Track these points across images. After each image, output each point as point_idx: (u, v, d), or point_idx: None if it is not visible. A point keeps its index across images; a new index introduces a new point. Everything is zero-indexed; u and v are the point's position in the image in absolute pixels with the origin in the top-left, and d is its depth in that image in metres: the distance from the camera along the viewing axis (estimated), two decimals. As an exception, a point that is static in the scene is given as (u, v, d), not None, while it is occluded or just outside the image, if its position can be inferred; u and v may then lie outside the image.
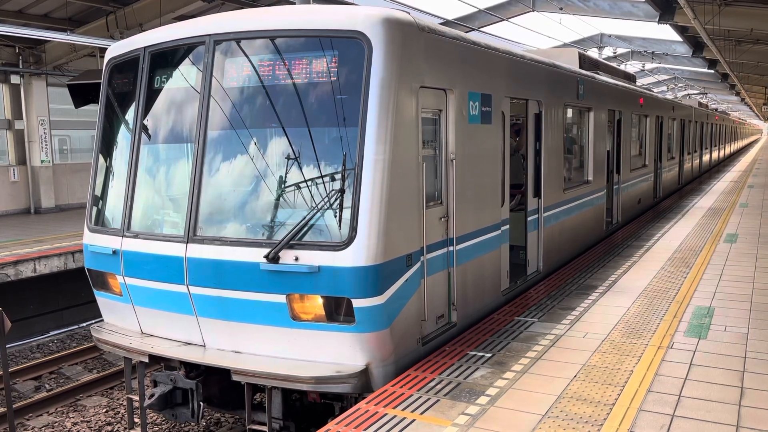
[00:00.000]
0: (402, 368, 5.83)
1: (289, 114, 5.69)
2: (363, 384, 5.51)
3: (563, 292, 8.58)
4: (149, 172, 6.45)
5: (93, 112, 20.97)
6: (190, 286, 5.94)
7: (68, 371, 10.95)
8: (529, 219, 8.92)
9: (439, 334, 6.43)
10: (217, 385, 6.32)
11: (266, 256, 5.47)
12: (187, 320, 6.11)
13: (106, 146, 6.93)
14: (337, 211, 5.45)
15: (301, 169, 5.62)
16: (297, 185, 5.63)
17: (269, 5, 18.01)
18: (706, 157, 32.21)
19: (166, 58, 6.39)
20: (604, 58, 33.18)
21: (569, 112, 10.60)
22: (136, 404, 7.31)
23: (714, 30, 20.34)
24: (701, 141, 29.49)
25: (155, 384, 6.28)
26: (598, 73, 12.70)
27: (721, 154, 43.23)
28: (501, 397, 5.21)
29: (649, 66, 43.09)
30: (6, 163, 20.54)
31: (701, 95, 57.74)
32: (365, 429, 4.73)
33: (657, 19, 22.90)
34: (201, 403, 6.09)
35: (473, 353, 6.25)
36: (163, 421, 8.78)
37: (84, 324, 14.25)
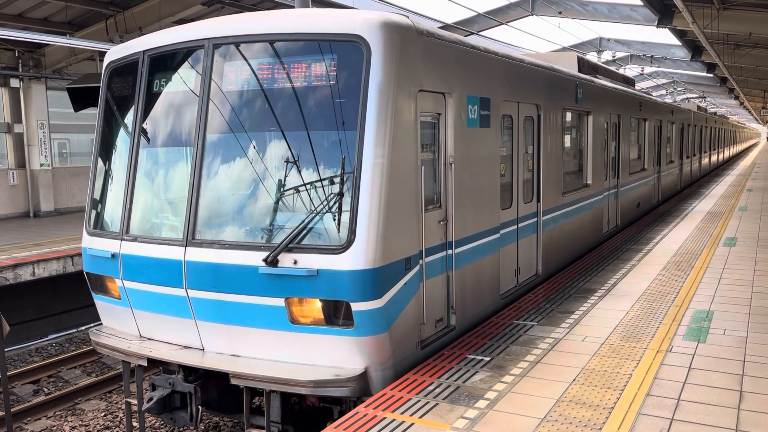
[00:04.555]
0: (401, 372, 5.82)
1: (287, 117, 5.69)
2: (362, 388, 5.50)
3: (562, 295, 8.58)
4: (148, 175, 6.45)
5: (92, 115, 21.01)
6: (188, 290, 5.94)
7: (67, 375, 10.93)
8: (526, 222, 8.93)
9: (438, 337, 6.43)
10: (216, 389, 6.31)
11: (265, 260, 5.47)
12: (185, 324, 6.10)
13: (105, 150, 6.93)
14: (336, 214, 5.45)
15: (299, 172, 5.62)
16: (296, 189, 5.63)
17: (268, 9, 18.03)
18: (705, 161, 32.24)
19: (166, 61, 6.40)
20: (603, 62, 33.25)
21: (568, 116, 10.61)
22: (135, 408, 7.30)
23: (713, 34, 20.40)
24: (700, 144, 29.53)
25: (153, 388, 6.27)
26: (596, 77, 12.72)
27: (720, 157, 43.27)
28: (500, 401, 5.20)
29: (648, 70, 43.20)
30: (5, 167, 20.54)
31: (700, 99, 57.84)
32: (364, 433, 4.73)
33: (656, 23, 22.95)
34: (199, 407, 6.08)
35: (472, 357, 6.24)
36: (162, 424, 8.77)
37: (83, 327, 14.24)
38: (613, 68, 18.16)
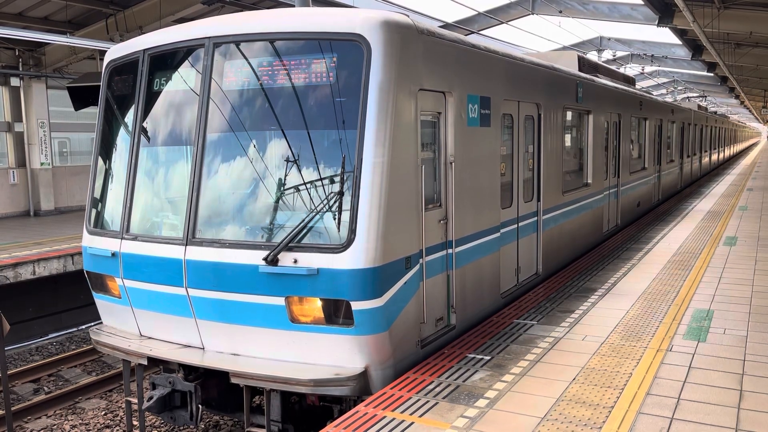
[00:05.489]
0: (401, 371, 5.82)
1: (288, 117, 5.69)
2: (362, 387, 5.50)
3: (562, 294, 8.58)
4: (148, 174, 6.45)
5: (93, 114, 21.02)
6: (189, 289, 5.94)
7: (67, 374, 10.94)
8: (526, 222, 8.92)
9: (438, 336, 6.43)
10: (216, 388, 6.31)
11: (265, 259, 5.47)
12: (185, 323, 6.10)
13: (106, 149, 6.93)
14: (336, 213, 5.45)
15: (300, 171, 5.62)
16: (296, 188, 5.63)
17: (269, 8, 18.02)
18: (705, 160, 32.22)
19: (166, 60, 6.40)
20: (603, 61, 33.24)
21: (568, 115, 10.61)
22: (135, 407, 7.31)
23: (713, 33, 20.38)
24: (701, 144, 29.51)
25: (154, 386, 6.27)
26: (597, 76, 12.71)
27: (721, 156, 43.27)
28: (500, 400, 5.20)
29: (648, 69, 43.17)
30: (5, 166, 20.55)
31: (701, 98, 57.80)
32: (364, 432, 4.73)
33: (656, 22, 22.94)
34: (199, 406, 6.08)
35: (472, 356, 6.24)
36: (162, 423, 8.77)
37: (83, 326, 14.24)
38: (613, 67, 18.14)
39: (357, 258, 5.31)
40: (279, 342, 5.70)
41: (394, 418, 4.91)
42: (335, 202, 5.46)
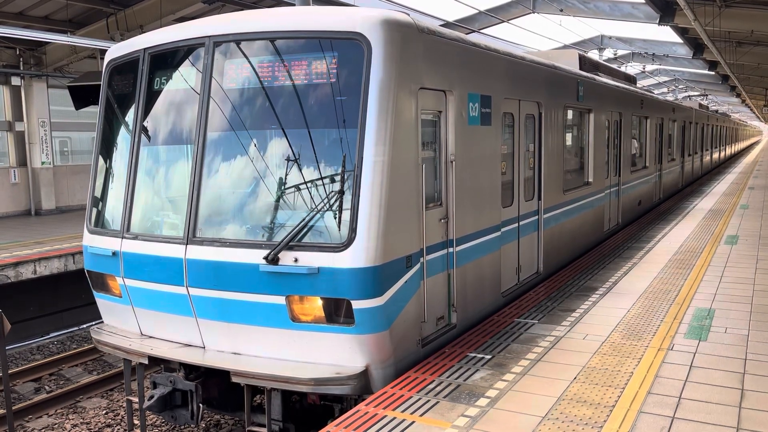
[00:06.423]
0: (401, 370, 5.82)
1: (288, 115, 5.69)
2: (362, 386, 5.50)
3: (563, 293, 8.58)
4: (149, 173, 6.45)
5: (93, 113, 21.00)
6: (189, 288, 5.94)
7: (68, 373, 10.94)
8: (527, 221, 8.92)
9: (439, 335, 6.42)
10: (217, 387, 6.32)
11: (266, 258, 5.47)
12: (186, 322, 6.10)
13: (106, 148, 6.93)
14: (337, 212, 5.45)
15: (300, 170, 5.62)
16: (296, 187, 5.63)
17: (269, 7, 18.01)
18: (706, 159, 32.19)
19: (166, 59, 6.40)
20: (604, 60, 33.21)
21: (569, 114, 10.60)
22: (136, 406, 7.31)
23: (714, 32, 20.36)
24: (702, 142, 29.49)
25: (155, 386, 6.27)
26: (598, 75, 12.70)
27: (722, 155, 43.23)
28: (501, 399, 5.20)
29: (649, 68, 43.13)
30: (6, 165, 20.55)
31: (702, 97, 57.74)
32: (365, 431, 4.72)
33: (657, 21, 22.91)
34: (200, 405, 6.08)
35: (473, 355, 6.24)
36: (163, 422, 8.77)
37: (84, 326, 14.24)
38: (614, 66, 18.12)
39: (357, 257, 5.31)
40: (280, 341, 5.70)
41: (394, 417, 4.91)
42: (336, 201, 5.45)
